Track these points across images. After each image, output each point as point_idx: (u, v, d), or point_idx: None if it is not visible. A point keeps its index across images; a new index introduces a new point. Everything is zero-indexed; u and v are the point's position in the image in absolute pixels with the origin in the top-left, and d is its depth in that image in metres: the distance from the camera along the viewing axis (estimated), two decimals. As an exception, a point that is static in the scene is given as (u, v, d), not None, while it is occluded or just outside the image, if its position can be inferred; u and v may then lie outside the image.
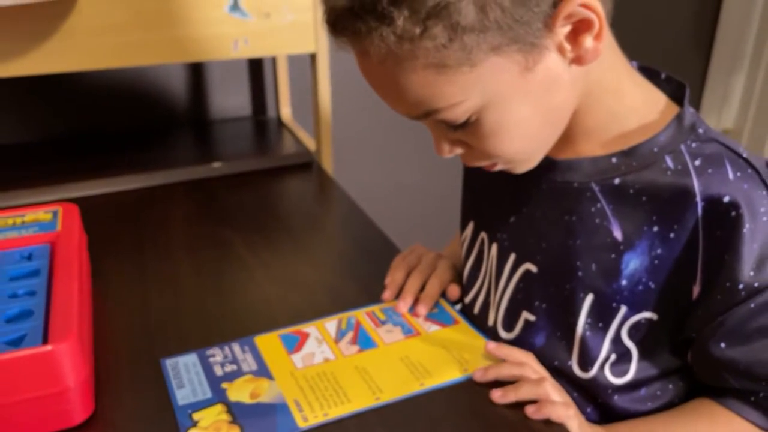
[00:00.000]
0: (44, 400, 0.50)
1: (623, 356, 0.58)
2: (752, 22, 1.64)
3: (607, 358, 0.58)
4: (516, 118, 0.51)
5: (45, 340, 0.51)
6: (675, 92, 0.58)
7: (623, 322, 0.57)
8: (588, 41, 0.49)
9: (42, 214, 0.71)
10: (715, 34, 1.73)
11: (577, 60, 0.50)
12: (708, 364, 0.57)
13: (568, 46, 0.49)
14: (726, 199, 0.51)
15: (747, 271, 0.51)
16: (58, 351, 0.50)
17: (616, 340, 0.57)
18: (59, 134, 1.18)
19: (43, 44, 0.84)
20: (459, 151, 0.56)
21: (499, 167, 0.58)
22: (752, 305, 0.52)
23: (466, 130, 0.53)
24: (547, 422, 0.54)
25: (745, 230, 0.51)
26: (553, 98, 0.52)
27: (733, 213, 0.51)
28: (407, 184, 1.53)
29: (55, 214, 0.71)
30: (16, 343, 0.51)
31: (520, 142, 0.54)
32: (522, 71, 0.49)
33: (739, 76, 1.71)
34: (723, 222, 0.51)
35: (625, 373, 0.58)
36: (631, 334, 0.57)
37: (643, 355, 0.58)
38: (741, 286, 0.52)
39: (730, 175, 0.52)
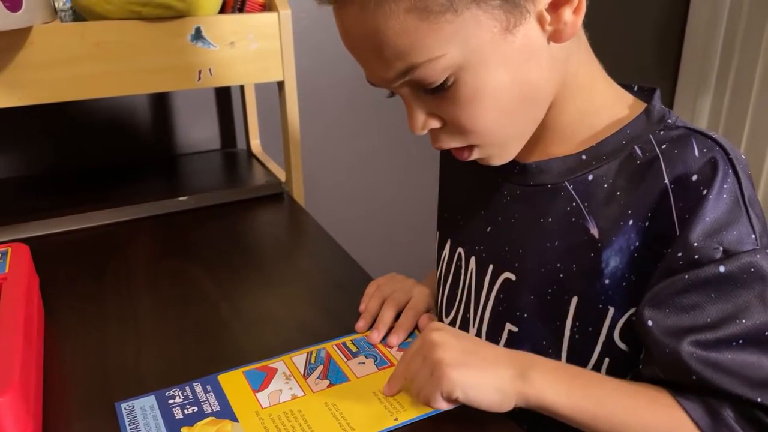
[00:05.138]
0: (-17, 458, 0.46)
1: (620, 360, 0.56)
2: (716, 45, 1.67)
3: (600, 362, 0.56)
4: (493, 85, 0.51)
5: (-16, 393, 0.47)
6: (647, 98, 0.59)
7: (614, 325, 0.55)
8: (567, 14, 0.50)
9: (-10, 255, 0.67)
10: (680, 58, 1.75)
11: (556, 35, 0.51)
12: (644, 340, 0.53)
13: (548, 17, 0.50)
14: (694, 177, 0.50)
15: (691, 242, 0.49)
16: (-3, 405, 0.45)
17: (609, 343, 0.55)
18: (16, 172, 1.14)
19: (-6, 78, 0.81)
20: (434, 124, 0.55)
21: (474, 155, 0.56)
22: (686, 277, 0.50)
23: (443, 96, 0.52)
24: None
25: (704, 203, 0.49)
26: (531, 71, 0.52)
27: (701, 189, 0.50)
28: (381, 212, 1.51)
29: (3, 255, 0.68)
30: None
31: (497, 116, 0.53)
32: (502, 32, 0.49)
33: (705, 99, 1.73)
34: (690, 200, 0.50)
35: (623, 378, 0.56)
36: (623, 334, 0.55)
37: (639, 359, 0.55)
38: (680, 254, 0.50)
39: (696, 152, 0.51)
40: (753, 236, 0.49)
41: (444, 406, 0.53)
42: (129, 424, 0.53)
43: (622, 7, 1.60)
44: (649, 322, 0.51)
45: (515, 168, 0.60)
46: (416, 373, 0.54)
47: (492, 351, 0.55)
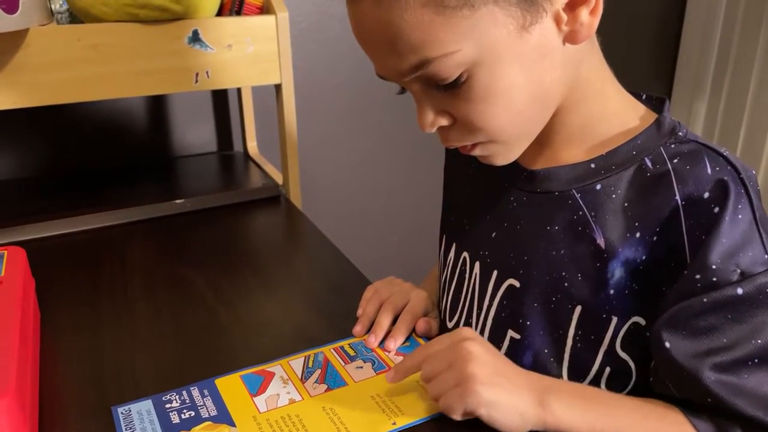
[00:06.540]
0: (-21, 463, 0.46)
1: (621, 370, 0.56)
2: (712, 48, 1.67)
3: (601, 372, 0.56)
4: (507, 83, 0.50)
5: (-20, 397, 0.47)
6: (656, 108, 0.58)
7: (616, 334, 0.55)
8: (584, 14, 0.49)
9: (-14, 258, 0.67)
10: (676, 61, 1.75)
11: (571, 36, 0.51)
12: (660, 360, 0.53)
13: (564, 17, 0.50)
14: (706, 195, 0.50)
15: (710, 264, 0.49)
16: (-7, 408, 0.45)
17: (610, 352, 0.55)
18: (12, 174, 1.14)
19: (-10, 80, 0.81)
20: (443, 122, 0.54)
21: (478, 151, 0.56)
22: (704, 300, 0.50)
23: (455, 93, 0.51)
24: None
25: (720, 225, 0.49)
26: (545, 71, 0.52)
27: (713, 207, 0.50)
28: (378, 215, 1.51)
29: (-1, 257, 0.67)
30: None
31: (507, 114, 0.52)
32: (518, 30, 0.48)
33: (701, 103, 1.73)
34: (702, 219, 0.50)
35: (624, 387, 0.56)
36: (624, 344, 0.55)
37: (640, 370, 0.55)
38: (698, 277, 0.50)
39: (709, 170, 0.51)
40: (766, 257, 0.50)
41: (460, 417, 0.52)
42: (125, 429, 0.53)
43: (619, 11, 1.60)
44: (667, 344, 0.51)
45: (522, 174, 0.60)
46: (440, 377, 0.53)
47: (517, 373, 0.54)
